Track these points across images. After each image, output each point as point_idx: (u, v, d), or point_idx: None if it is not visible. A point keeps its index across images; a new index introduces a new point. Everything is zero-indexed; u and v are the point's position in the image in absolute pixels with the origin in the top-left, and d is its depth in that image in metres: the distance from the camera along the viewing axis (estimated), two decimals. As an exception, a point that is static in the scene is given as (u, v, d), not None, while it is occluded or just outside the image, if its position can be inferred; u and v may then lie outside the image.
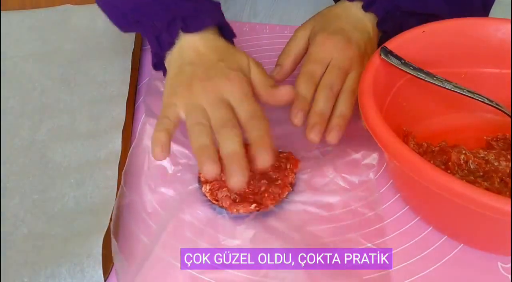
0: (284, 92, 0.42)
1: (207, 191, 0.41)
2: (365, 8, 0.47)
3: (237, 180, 0.35)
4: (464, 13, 0.45)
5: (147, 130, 0.46)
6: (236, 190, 0.39)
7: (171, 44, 0.45)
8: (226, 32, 0.48)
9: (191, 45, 0.45)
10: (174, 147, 0.44)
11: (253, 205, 0.40)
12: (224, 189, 0.41)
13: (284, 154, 0.44)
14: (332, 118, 0.42)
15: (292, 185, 0.42)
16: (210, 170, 0.36)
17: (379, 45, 0.48)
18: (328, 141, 0.41)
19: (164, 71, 0.47)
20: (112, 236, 0.38)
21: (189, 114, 0.40)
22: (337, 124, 0.41)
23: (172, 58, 0.45)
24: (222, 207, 0.41)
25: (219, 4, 0.48)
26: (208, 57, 0.43)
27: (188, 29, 0.45)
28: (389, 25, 0.47)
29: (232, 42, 0.48)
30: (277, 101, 0.42)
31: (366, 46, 0.46)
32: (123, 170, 0.44)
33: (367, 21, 0.48)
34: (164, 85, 0.45)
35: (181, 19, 0.45)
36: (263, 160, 0.36)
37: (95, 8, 0.63)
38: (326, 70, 0.44)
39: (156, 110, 0.50)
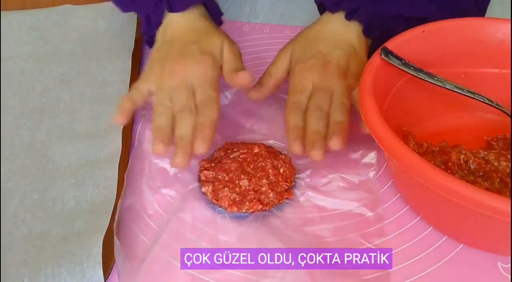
0: (242, 76, 0.44)
1: (208, 191, 0.41)
2: (348, 17, 0.47)
3: (178, 161, 0.40)
4: (455, 15, 0.45)
5: (147, 133, 0.46)
6: (176, 167, 0.41)
7: (158, 23, 0.49)
8: (212, 11, 0.50)
9: (174, 25, 0.48)
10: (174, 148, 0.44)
11: (251, 203, 0.40)
12: (224, 189, 0.41)
13: (283, 156, 0.44)
14: (329, 128, 0.42)
15: (292, 186, 0.42)
16: (159, 148, 0.40)
17: (370, 51, 0.48)
18: (331, 147, 0.40)
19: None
20: (115, 236, 0.38)
21: (157, 93, 0.44)
22: (336, 130, 0.41)
23: (157, 36, 0.49)
24: (222, 207, 0.41)
25: None
26: (186, 36, 0.46)
27: (172, 9, 0.48)
28: (377, 32, 0.47)
29: (220, 21, 0.51)
30: (237, 85, 0.45)
31: (348, 61, 0.46)
32: (126, 171, 0.44)
33: (350, 32, 0.47)
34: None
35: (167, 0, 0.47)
36: (198, 147, 0.40)
37: (95, 8, 0.63)
38: (311, 94, 0.44)
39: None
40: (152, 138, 0.41)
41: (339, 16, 0.48)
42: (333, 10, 0.48)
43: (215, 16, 0.51)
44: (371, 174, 0.43)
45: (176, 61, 0.44)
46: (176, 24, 0.48)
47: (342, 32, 0.48)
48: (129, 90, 0.45)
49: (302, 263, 0.37)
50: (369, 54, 0.49)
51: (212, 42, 0.46)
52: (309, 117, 0.42)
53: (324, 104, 0.43)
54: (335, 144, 0.40)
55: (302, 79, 0.45)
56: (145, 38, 0.52)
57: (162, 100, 0.43)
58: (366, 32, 0.47)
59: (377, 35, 0.47)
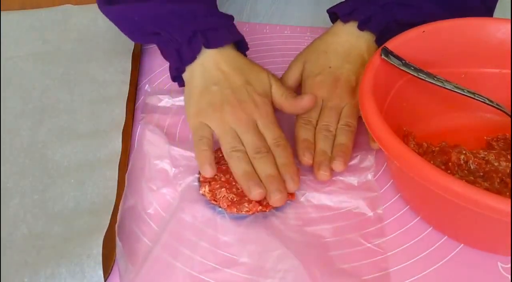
0: (306, 99, 0.45)
1: (206, 192, 0.41)
2: (361, 27, 0.48)
3: (277, 198, 0.39)
4: (465, 17, 0.45)
5: (147, 135, 0.46)
6: (277, 205, 0.40)
7: (193, 58, 0.46)
8: (242, 47, 0.49)
9: (213, 63, 0.46)
10: (175, 149, 0.44)
11: (250, 205, 0.40)
12: (222, 189, 0.41)
13: None
14: (333, 149, 0.43)
15: None
16: (258, 194, 0.39)
17: None
18: (334, 168, 0.42)
19: (180, 83, 0.49)
20: (116, 237, 0.38)
21: (224, 139, 0.43)
22: (339, 152, 0.42)
23: (194, 75, 0.47)
24: (221, 207, 0.41)
25: (233, 18, 0.49)
26: (234, 78, 0.45)
27: (209, 45, 0.46)
28: (387, 39, 0.46)
29: (245, 55, 0.50)
30: (302, 109, 0.45)
31: (358, 76, 0.47)
32: (126, 172, 0.44)
33: (361, 43, 0.48)
34: (186, 101, 0.47)
35: (202, 34, 0.46)
36: (290, 186, 0.41)
37: (95, 8, 0.63)
38: (320, 111, 0.46)
39: (155, 111, 0.51)
40: (244, 185, 0.40)
41: (351, 27, 0.48)
42: (346, 20, 0.49)
43: (243, 50, 0.50)
44: (369, 176, 0.43)
45: (236, 105, 0.44)
46: (215, 63, 0.46)
47: (354, 44, 0.48)
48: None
49: (302, 263, 0.37)
50: None
51: (261, 80, 0.46)
52: (316, 137, 0.44)
53: (331, 123, 0.44)
54: (337, 166, 0.42)
55: (313, 93, 0.46)
56: (173, 74, 0.49)
57: (233, 145, 0.42)
58: (378, 41, 0.48)
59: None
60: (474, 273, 0.37)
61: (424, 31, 0.43)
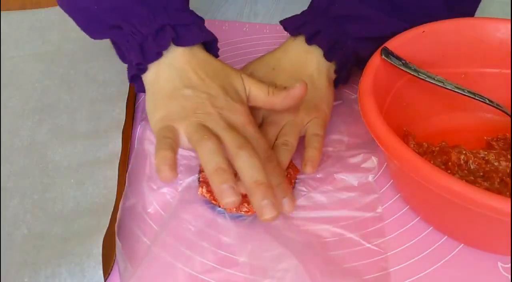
0: (299, 86, 0.40)
1: (204, 192, 0.41)
2: (309, 41, 0.46)
3: (269, 217, 0.33)
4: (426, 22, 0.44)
5: (148, 134, 0.46)
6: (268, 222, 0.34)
7: (158, 54, 0.41)
8: (213, 49, 0.45)
9: (185, 64, 0.41)
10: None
11: (250, 206, 0.40)
12: None
13: None
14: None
15: (293, 187, 0.42)
16: (231, 203, 0.33)
17: (339, 73, 0.47)
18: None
19: (139, 85, 0.44)
20: (116, 237, 0.38)
21: (194, 134, 0.37)
22: (279, 183, 0.38)
23: (161, 75, 0.42)
24: (221, 207, 0.41)
25: (203, 19, 0.45)
26: (210, 83, 0.41)
27: (179, 41, 0.41)
28: (339, 54, 0.46)
29: (217, 54, 0.46)
30: (297, 99, 0.41)
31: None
32: (127, 172, 0.44)
33: (310, 60, 0.46)
34: (151, 105, 0.41)
35: (172, 28, 0.41)
36: (287, 207, 0.37)
37: (95, 8, 0.63)
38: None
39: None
40: (220, 189, 0.33)
41: (300, 41, 0.46)
42: (294, 33, 0.47)
43: (214, 51, 0.46)
44: (370, 178, 0.43)
45: (215, 115, 0.38)
46: (187, 64, 0.41)
47: (303, 60, 0.46)
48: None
49: (302, 264, 0.37)
50: (338, 79, 0.48)
51: (235, 85, 0.42)
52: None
53: (270, 137, 0.42)
54: (287, 205, 0.37)
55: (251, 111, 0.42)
56: (131, 73, 0.43)
57: (204, 134, 0.36)
58: (327, 56, 0.45)
59: (339, 58, 0.46)
60: (474, 273, 0.37)
61: (424, 31, 0.43)
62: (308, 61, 0.46)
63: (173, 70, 0.41)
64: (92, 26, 0.45)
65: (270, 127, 0.43)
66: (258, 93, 0.42)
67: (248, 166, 0.34)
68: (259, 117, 0.45)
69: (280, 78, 0.45)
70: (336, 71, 0.47)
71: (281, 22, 0.49)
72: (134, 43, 0.42)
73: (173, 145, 0.36)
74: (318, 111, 0.45)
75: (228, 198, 0.32)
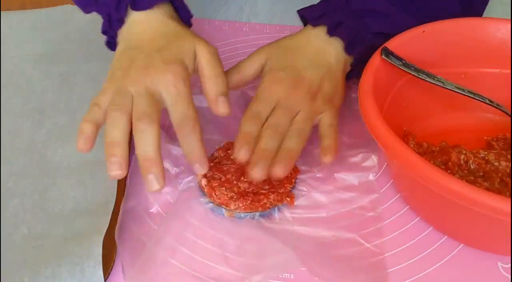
0: (221, 104, 0.40)
1: (205, 188, 0.41)
2: (330, 32, 0.45)
3: (151, 185, 0.36)
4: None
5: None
6: (152, 191, 0.37)
7: (120, 22, 0.44)
8: (181, 11, 0.46)
9: (139, 27, 0.43)
10: (176, 149, 0.44)
11: (251, 205, 0.40)
12: (220, 189, 0.41)
13: None
14: (279, 152, 0.39)
15: (293, 187, 0.42)
16: (120, 175, 0.35)
17: (352, 69, 0.47)
18: (271, 172, 0.38)
19: (113, 49, 0.46)
20: (116, 237, 0.38)
21: (113, 98, 0.38)
22: (283, 157, 0.39)
23: (120, 38, 0.44)
24: (220, 205, 0.41)
25: None
26: (153, 43, 0.41)
27: (136, 7, 0.43)
28: (359, 48, 0.45)
29: (189, 22, 0.47)
30: (214, 108, 0.41)
31: (322, 81, 0.44)
32: (128, 172, 0.44)
33: (330, 50, 0.45)
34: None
35: None
36: (200, 171, 0.39)
37: (95, 8, 0.63)
38: (273, 109, 0.42)
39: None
40: (109, 161, 0.35)
41: (321, 31, 0.46)
42: (315, 24, 0.47)
43: (184, 16, 0.46)
44: (371, 176, 0.43)
45: (143, 70, 0.39)
46: (141, 26, 0.43)
47: (323, 49, 0.46)
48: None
49: (302, 263, 0.37)
50: (352, 72, 0.48)
51: (182, 47, 0.41)
52: (261, 133, 0.40)
53: (282, 124, 0.41)
54: (276, 171, 0.38)
55: (268, 90, 0.43)
56: (105, 39, 0.47)
57: (117, 104, 0.37)
58: (347, 49, 0.45)
59: (358, 52, 0.46)
60: (474, 273, 0.37)
61: (424, 31, 0.43)
62: (328, 51, 0.46)
63: (128, 33, 0.44)
64: (82, 1, 0.47)
65: (285, 112, 0.42)
66: (202, 67, 0.41)
67: (138, 139, 0.36)
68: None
69: (301, 61, 0.45)
70: (352, 65, 0.47)
71: (299, 11, 0.49)
72: (105, 15, 0.45)
73: (100, 115, 0.38)
74: (332, 102, 0.44)
75: (113, 172, 0.35)
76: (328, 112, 0.43)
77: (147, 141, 0.36)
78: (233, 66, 0.46)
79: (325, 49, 0.46)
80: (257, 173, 0.38)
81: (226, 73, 0.44)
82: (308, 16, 0.47)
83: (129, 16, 0.44)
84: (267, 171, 0.38)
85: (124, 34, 0.44)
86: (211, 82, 0.41)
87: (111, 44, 0.46)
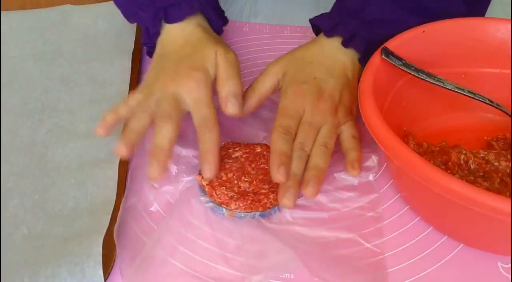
0: (230, 106, 0.43)
1: (205, 187, 0.41)
2: (345, 44, 0.46)
3: (152, 171, 0.39)
4: None
5: (148, 133, 0.46)
6: (152, 179, 0.40)
7: (156, 34, 0.49)
8: (211, 20, 0.49)
9: (171, 37, 0.47)
10: (177, 148, 0.44)
11: (251, 205, 0.40)
12: (221, 188, 0.41)
13: None
14: (307, 171, 0.40)
15: None
16: (123, 152, 0.40)
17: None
18: (305, 196, 0.39)
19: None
20: (114, 236, 0.38)
21: (142, 101, 0.43)
22: (313, 176, 0.39)
23: (156, 48, 0.49)
24: (220, 204, 0.41)
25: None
26: (181, 51, 0.46)
27: (168, 20, 0.47)
28: (370, 56, 0.45)
29: (220, 29, 0.51)
30: (224, 108, 0.43)
31: (341, 93, 0.44)
32: (128, 171, 0.44)
33: (346, 60, 0.46)
34: None
35: (163, 10, 0.47)
36: (206, 172, 0.40)
37: (95, 8, 0.63)
38: (299, 124, 0.43)
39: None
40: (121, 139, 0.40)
41: (335, 42, 0.46)
42: (329, 35, 0.47)
43: (214, 25, 0.50)
44: (371, 177, 0.43)
45: (169, 76, 0.43)
46: (173, 37, 0.47)
47: (339, 60, 0.46)
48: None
49: (302, 263, 0.37)
50: None
51: (204, 54, 0.44)
52: (292, 155, 0.41)
53: (308, 143, 0.41)
54: (309, 192, 0.39)
55: (294, 103, 0.43)
56: (146, 50, 0.53)
57: (143, 107, 0.42)
58: (362, 61, 0.46)
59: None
60: (474, 273, 0.37)
61: (424, 31, 0.43)
62: (344, 61, 0.46)
63: (161, 43, 0.48)
64: (126, 14, 0.53)
65: (311, 128, 0.42)
66: (219, 75, 0.44)
67: (157, 132, 0.40)
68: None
69: (318, 71, 0.45)
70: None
71: (312, 21, 0.49)
72: (143, 27, 0.50)
73: (124, 110, 0.43)
74: (352, 113, 0.45)
75: (122, 147, 0.40)
76: (349, 124, 0.44)
77: (164, 135, 0.40)
78: (249, 86, 0.46)
79: (341, 60, 0.46)
80: (289, 202, 0.39)
81: (244, 94, 0.45)
82: (322, 27, 0.47)
83: (164, 28, 0.48)
84: (296, 198, 0.39)
85: (158, 45, 0.49)
86: (223, 83, 0.43)
87: (151, 54, 0.50)
